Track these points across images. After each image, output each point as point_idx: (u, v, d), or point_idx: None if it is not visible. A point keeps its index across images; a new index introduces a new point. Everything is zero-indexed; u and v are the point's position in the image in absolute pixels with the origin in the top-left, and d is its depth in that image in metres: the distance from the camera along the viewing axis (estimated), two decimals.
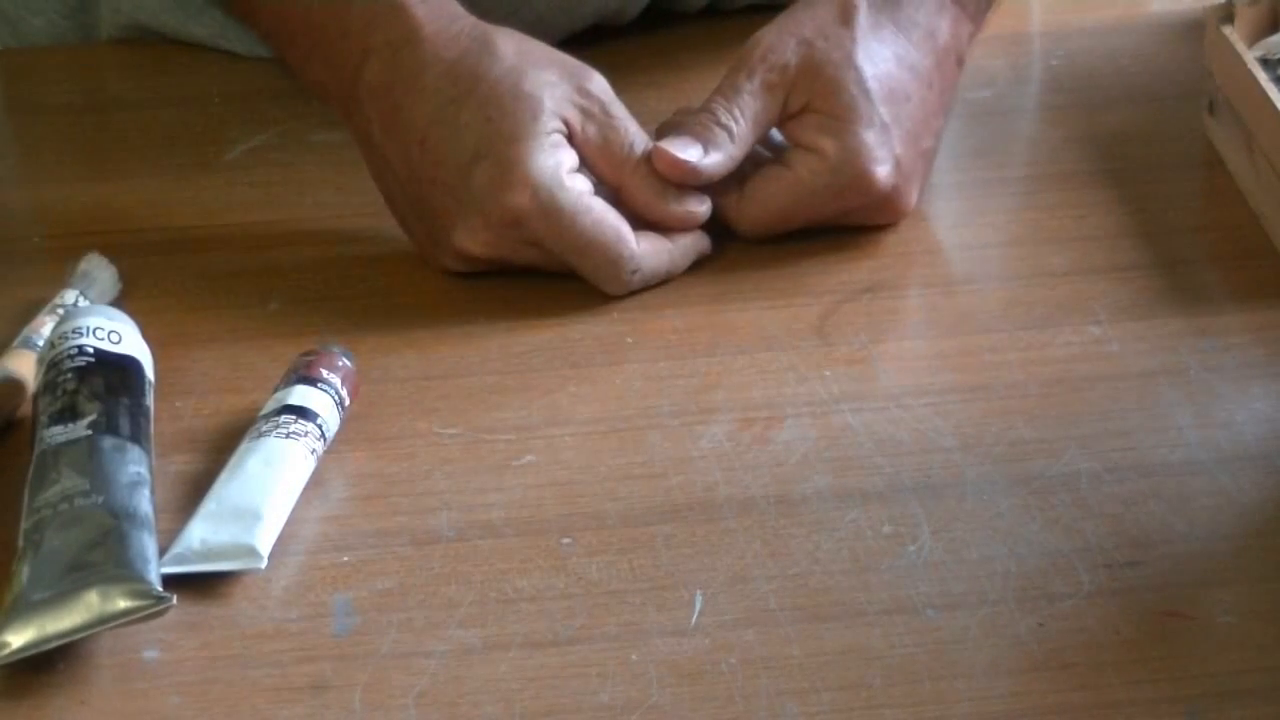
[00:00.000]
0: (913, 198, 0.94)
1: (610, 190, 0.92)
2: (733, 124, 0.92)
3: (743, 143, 0.93)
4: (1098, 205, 0.97)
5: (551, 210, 0.89)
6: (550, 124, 0.90)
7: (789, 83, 0.92)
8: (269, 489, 0.79)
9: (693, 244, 0.93)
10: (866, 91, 0.92)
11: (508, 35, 0.92)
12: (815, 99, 0.92)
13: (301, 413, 0.82)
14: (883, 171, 0.92)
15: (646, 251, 0.91)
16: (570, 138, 0.91)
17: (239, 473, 0.80)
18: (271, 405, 0.82)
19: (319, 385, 0.83)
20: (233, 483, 0.79)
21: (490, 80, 0.90)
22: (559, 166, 0.90)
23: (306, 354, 0.85)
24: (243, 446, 0.81)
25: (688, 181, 0.92)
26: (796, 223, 0.94)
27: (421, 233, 0.93)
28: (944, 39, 0.95)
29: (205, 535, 0.78)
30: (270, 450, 0.80)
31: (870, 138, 0.92)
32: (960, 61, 0.97)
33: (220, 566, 0.77)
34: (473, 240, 0.90)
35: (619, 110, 0.92)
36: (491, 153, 0.89)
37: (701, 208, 0.93)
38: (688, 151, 0.91)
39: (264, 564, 0.77)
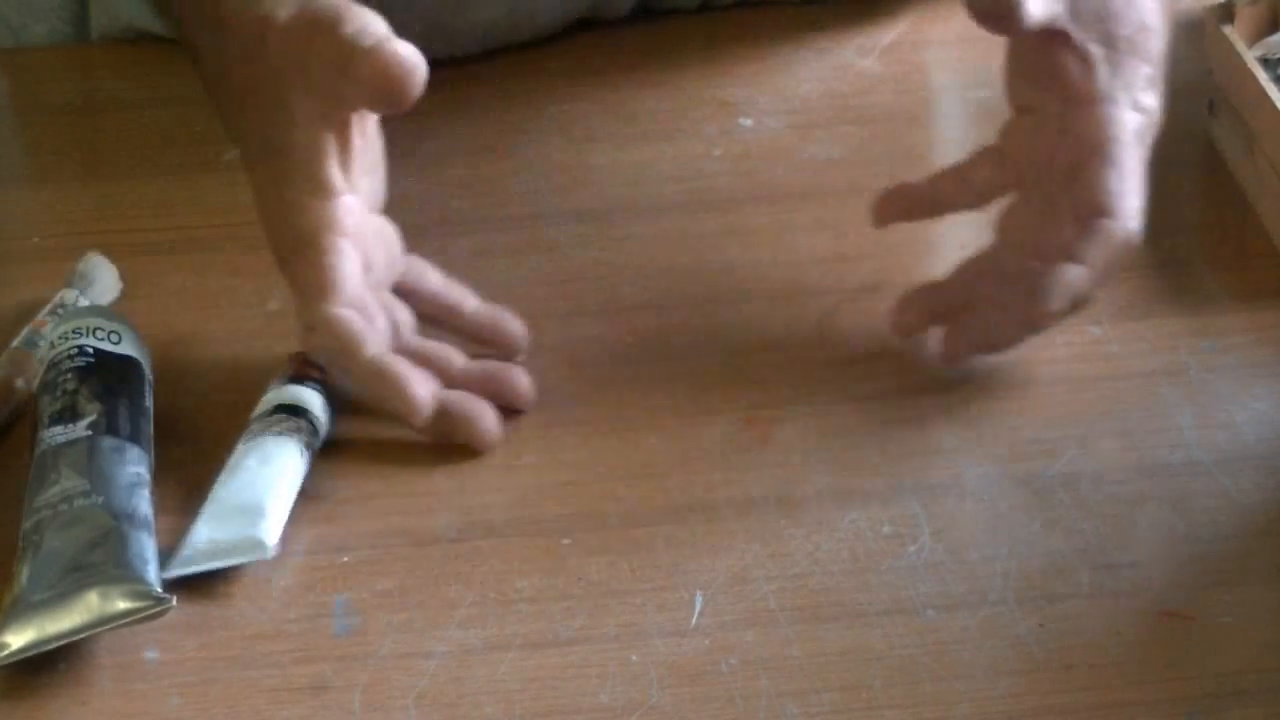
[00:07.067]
0: None
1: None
2: None
3: None
4: None
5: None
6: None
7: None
8: (268, 484, 0.79)
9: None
10: None
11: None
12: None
13: (293, 411, 0.82)
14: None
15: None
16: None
17: (237, 472, 0.80)
18: (263, 407, 0.83)
19: (306, 384, 0.83)
20: (232, 482, 0.80)
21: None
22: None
23: (294, 354, 0.85)
24: (238, 448, 0.81)
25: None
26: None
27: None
28: None
29: (211, 534, 0.78)
30: (265, 449, 0.80)
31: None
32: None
33: (229, 562, 0.77)
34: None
35: None
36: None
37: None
38: None
39: (271, 553, 0.77)
